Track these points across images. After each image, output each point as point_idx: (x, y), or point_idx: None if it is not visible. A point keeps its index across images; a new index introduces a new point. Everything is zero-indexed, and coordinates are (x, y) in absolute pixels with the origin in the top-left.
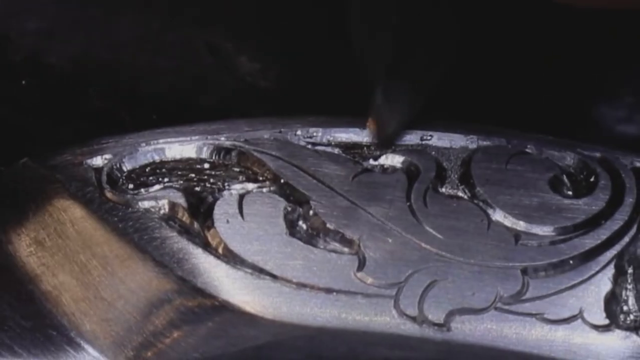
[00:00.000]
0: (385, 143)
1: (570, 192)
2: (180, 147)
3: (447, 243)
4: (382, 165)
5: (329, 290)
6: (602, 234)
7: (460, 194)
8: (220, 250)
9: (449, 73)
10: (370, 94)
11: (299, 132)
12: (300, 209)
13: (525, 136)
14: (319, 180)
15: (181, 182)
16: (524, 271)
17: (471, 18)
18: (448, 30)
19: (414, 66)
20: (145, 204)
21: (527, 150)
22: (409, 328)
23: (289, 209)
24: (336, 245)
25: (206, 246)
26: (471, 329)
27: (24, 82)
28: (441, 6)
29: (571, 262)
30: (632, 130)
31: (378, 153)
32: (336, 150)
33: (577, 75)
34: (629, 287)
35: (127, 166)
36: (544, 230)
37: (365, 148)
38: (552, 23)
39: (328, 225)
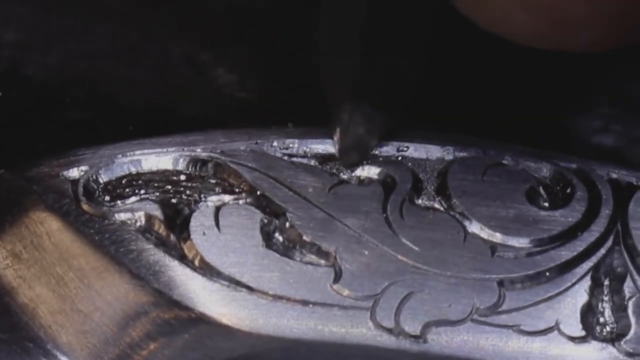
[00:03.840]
0: (350, 164)
1: (546, 204)
2: (156, 159)
3: (424, 255)
4: (359, 177)
5: (305, 303)
6: (578, 245)
7: (436, 205)
8: (196, 263)
9: (416, 95)
10: (336, 116)
11: (275, 144)
12: (277, 221)
13: (502, 147)
14: (295, 192)
15: (157, 194)
16: (500, 283)
17: (442, 36)
18: (416, 52)
19: (381, 88)
20: (122, 216)
21: (504, 161)
22: (386, 340)
23: (265, 221)
24: (312, 258)
25: (182, 258)
26: (448, 341)
27: (0, 94)
28: (409, 27)
29: (547, 273)
30: (608, 141)
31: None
32: (312, 162)
33: (553, 85)
34: (605, 298)
35: (103, 178)
36: (520, 242)
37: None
38: None
39: (304, 237)
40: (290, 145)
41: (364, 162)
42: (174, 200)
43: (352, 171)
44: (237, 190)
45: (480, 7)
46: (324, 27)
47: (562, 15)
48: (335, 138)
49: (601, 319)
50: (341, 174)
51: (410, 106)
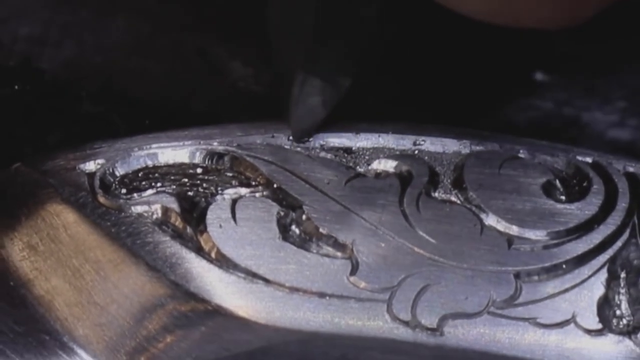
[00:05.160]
0: (301, 135)
1: (563, 197)
2: (173, 152)
3: (440, 247)
4: (375, 170)
5: (322, 295)
6: (595, 238)
7: (453, 198)
8: (213, 255)
9: (365, 68)
10: (286, 88)
11: (291, 137)
12: (293, 214)
13: (518, 141)
14: (311, 185)
15: (174, 187)
16: (517, 275)
17: (393, 13)
18: (366, 24)
19: (332, 58)
20: (138, 209)
21: (520, 155)
22: (402, 332)
23: (282, 213)
24: (329, 250)
25: (199, 251)
26: (464, 334)
27: (16, 87)
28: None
29: (564, 266)
30: (625, 134)
31: (371, 158)
32: (329, 155)
33: (569, 79)
34: (622, 291)
35: (119, 171)
36: (537, 235)
37: (358, 153)
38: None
39: (321, 229)
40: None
41: (381, 156)
42: (190, 193)
43: (369, 164)
44: (253, 183)
45: None
46: (275, 3)
47: None
48: (287, 111)
49: (618, 312)
50: (357, 167)
51: (360, 78)
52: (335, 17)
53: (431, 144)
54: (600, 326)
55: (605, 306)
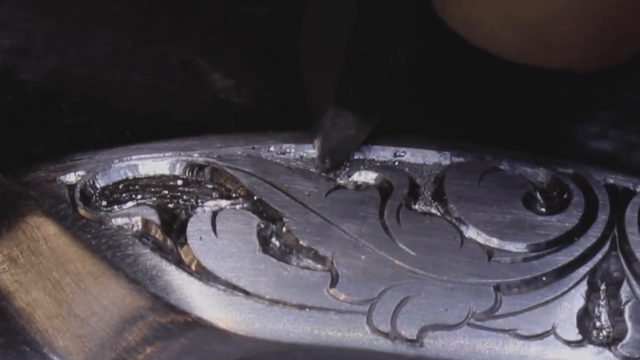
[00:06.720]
0: (330, 168)
1: (543, 209)
2: (153, 164)
3: (420, 260)
4: (356, 182)
5: (301, 307)
6: (575, 250)
7: (433, 210)
8: (193, 267)
9: (396, 102)
10: (316, 121)
11: (272, 149)
12: (274, 226)
13: (499, 152)
14: (291, 197)
15: (154, 199)
16: (497, 288)
17: (424, 46)
18: (398, 58)
19: (364, 93)
20: (119, 221)
21: (501, 166)
22: (382, 344)
23: (262, 225)
24: (309, 262)
25: (179, 263)
26: (444, 345)
27: None
28: (393, 33)
29: (544, 278)
30: (606, 146)
31: (351, 169)
32: (309, 167)
33: (549, 90)
34: (602, 303)
35: (100, 183)
36: (517, 247)
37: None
38: None
39: (301, 242)
40: (287, 150)
41: (361, 168)
42: (170, 205)
43: (349, 176)
44: (233, 195)
45: (466, 22)
46: (307, 34)
47: (546, 33)
48: (316, 142)
49: (598, 324)
50: (338, 179)
51: (390, 111)
52: (367, 55)
53: (412, 155)
54: (580, 337)
55: (585, 318)
